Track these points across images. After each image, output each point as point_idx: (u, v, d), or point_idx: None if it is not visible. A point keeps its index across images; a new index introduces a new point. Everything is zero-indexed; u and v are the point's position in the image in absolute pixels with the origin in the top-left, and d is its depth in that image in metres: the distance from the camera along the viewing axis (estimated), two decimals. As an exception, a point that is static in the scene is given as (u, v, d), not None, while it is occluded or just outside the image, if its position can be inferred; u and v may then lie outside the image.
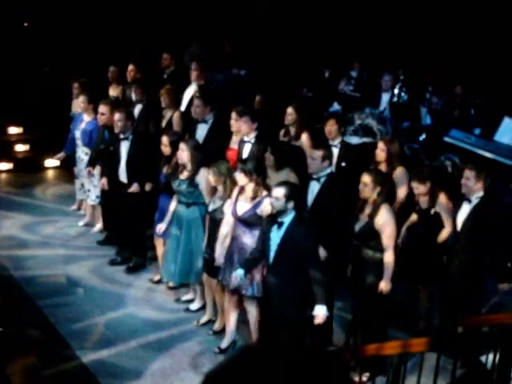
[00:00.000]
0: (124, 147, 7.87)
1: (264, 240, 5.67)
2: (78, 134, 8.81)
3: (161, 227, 7.12)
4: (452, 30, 12.53)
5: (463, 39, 12.39)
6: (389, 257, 5.84)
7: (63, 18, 12.74)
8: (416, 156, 10.40)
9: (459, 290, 6.19)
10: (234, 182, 6.27)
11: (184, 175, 6.93)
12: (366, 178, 5.90)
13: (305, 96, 12.07)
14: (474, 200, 6.18)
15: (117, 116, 7.78)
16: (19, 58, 12.29)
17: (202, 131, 8.20)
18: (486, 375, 5.50)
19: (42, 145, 11.94)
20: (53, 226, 9.16)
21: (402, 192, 6.92)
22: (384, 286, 5.84)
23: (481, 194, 6.17)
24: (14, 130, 12.33)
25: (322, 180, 6.36)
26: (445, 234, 6.51)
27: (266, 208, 5.93)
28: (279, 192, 5.43)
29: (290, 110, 7.98)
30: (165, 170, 7.41)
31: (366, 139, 9.97)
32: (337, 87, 12.59)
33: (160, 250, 7.56)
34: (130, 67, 10.16)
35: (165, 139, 7.31)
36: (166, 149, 7.33)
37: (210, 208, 6.57)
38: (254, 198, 6.08)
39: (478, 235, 6.13)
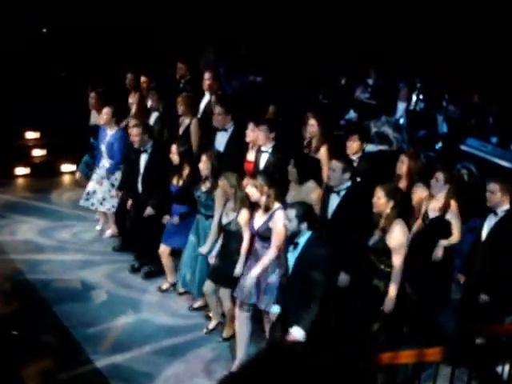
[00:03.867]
0: (143, 160, 7.95)
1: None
2: (103, 147, 8.82)
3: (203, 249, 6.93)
4: (469, 39, 12.47)
5: (481, 48, 12.33)
6: (396, 274, 5.69)
7: (80, 23, 12.83)
8: (432, 164, 10.37)
9: (477, 301, 6.11)
10: (247, 196, 6.22)
11: (204, 187, 6.96)
12: (380, 192, 5.79)
13: (321, 103, 12.08)
14: (501, 213, 6.11)
15: (134, 131, 7.87)
16: (37, 63, 12.39)
17: (222, 139, 8.15)
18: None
19: (58, 150, 12.03)
20: (68, 231, 9.19)
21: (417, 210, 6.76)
22: (387, 305, 5.70)
23: (507, 206, 6.10)
24: (31, 135, 12.42)
25: (342, 193, 6.28)
26: (454, 240, 6.52)
27: (278, 222, 5.87)
28: (290, 213, 5.36)
29: (312, 121, 7.71)
30: (175, 181, 7.47)
31: (382, 147, 9.97)
32: (353, 94, 12.59)
33: (166, 259, 7.63)
34: (143, 79, 10.14)
35: (174, 148, 7.37)
36: (174, 157, 7.40)
37: (224, 221, 6.54)
38: (266, 210, 6.03)
39: (502, 247, 6.02)
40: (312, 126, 7.70)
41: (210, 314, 7.07)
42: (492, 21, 12.36)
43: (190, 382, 6.03)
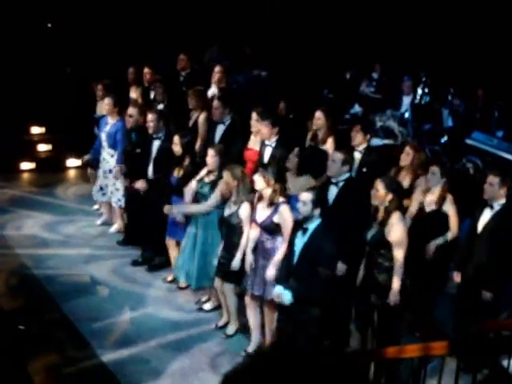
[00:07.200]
0: (155, 146, 7.98)
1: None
2: (103, 136, 8.87)
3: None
4: (474, 32, 12.43)
5: (486, 41, 12.29)
6: (398, 268, 5.64)
7: (85, 18, 12.82)
8: (437, 158, 10.35)
9: (475, 294, 6.11)
10: (252, 186, 6.26)
11: (208, 179, 6.98)
12: (379, 185, 5.76)
13: (326, 97, 12.05)
14: (496, 206, 6.11)
15: (149, 117, 7.93)
16: (42, 58, 12.40)
17: (219, 132, 8.30)
18: (507, 380, 5.45)
19: (64, 145, 12.06)
20: (74, 226, 9.21)
21: (415, 204, 6.75)
22: (392, 297, 5.67)
23: (503, 200, 6.11)
24: (36, 130, 12.46)
25: (340, 184, 6.31)
26: (450, 235, 6.52)
27: (286, 216, 5.92)
28: (307, 197, 5.35)
29: (318, 114, 7.86)
30: (176, 172, 7.47)
31: (387, 141, 9.95)
32: (358, 89, 12.56)
33: (173, 251, 7.66)
34: (146, 70, 10.16)
35: (176, 138, 7.38)
36: (176, 148, 7.40)
37: (226, 213, 6.52)
38: (270, 204, 6.05)
39: (498, 241, 6.01)
40: (318, 118, 7.85)
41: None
42: (497, 15, 12.32)
43: (196, 376, 6.04)
